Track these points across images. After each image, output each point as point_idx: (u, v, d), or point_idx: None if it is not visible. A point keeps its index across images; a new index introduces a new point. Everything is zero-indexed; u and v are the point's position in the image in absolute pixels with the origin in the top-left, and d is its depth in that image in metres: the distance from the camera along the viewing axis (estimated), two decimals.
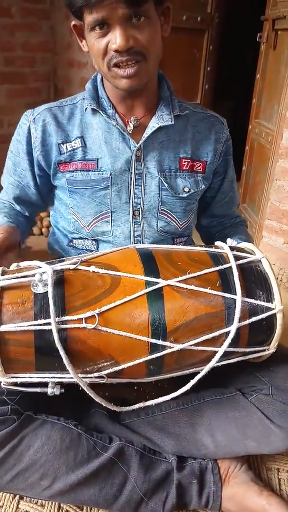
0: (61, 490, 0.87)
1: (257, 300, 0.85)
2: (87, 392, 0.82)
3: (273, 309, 0.85)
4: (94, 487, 0.88)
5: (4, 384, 0.82)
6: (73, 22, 0.98)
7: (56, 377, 0.82)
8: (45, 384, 0.83)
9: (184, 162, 1.10)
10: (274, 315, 0.86)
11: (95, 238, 1.10)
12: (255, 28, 2.51)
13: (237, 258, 0.89)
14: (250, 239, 1.22)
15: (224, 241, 0.97)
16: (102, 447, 0.91)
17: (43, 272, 0.80)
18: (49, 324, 0.76)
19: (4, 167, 1.16)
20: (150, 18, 0.90)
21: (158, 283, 0.82)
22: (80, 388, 1.03)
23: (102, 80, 1.06)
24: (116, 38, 0.88)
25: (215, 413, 0.99)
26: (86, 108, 1.05)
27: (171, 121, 1.04)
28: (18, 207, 1.17)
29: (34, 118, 1.06)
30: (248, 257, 0.91)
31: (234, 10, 3.23)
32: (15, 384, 0.83)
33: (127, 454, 0.92)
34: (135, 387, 1.01)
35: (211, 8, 2.70)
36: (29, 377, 0.81)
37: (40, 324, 0.77)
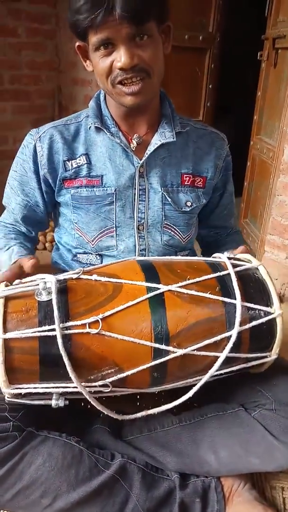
0: (62, 508, 0.86)
1: (256, 305, 0.86)
2: (89, 400, 0.82)
3: (273, 313, 0.86)
4: (95, 506, 0.87)
5: (8, 397, 0.82)
6: (77, 43, 1.00)
7: (61, 387, 0.82)
8: (49, 397, 0.83)
9: (186, 177, 1.12)
10: (274, 319, 0.87)
11: (99, 252, 1.12)
12: (256, 46, 2.56)
13: (234, 266, 0.91)
14: (246, 245, 1.25)
15: (221, 250, 0.99)
16: (104, 464, 0.90)
17: (46, 282, 0.82)
18: (53, 330, 0.77)
19: (6, 186, 1.17)
20: (152, 37, 0.93)
21: (159, 288, 0.84)
22: (82, 404, 1.03)
23: (105, 98, 1.09)
24: (121, 57, 0.90)
25: (218, 430, 0.98)
26: (90, 126, 1.07)
27: (173, 138, 1.07)
28: (24, 228, 1.18)
29: (39, 137, 1.08)
30: (246, 265, 0.93)
31: (235, 30, 3.29)
32: (19, 396, 0.83)
33: (129, 471, 0.91)
34: (137, 404, 1.00)
35: (213, 28, 2.75)
36: (33, 388, 0.81)
37: (45, 330, 0.78)
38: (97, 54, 0.94)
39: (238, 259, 0.97)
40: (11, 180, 1.15)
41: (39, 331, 0.78)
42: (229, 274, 0.88)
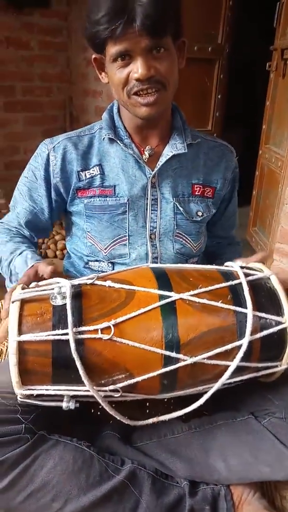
0: None
1: (267, 314, 0.86)
2: (101, 404, 0.82)
3: (284, 323, 0.86)
4: (105, 511, 0.88)
5: (20, 397, 0.83)
6: (93, 56, 1.02)
7: (72, 390, 0.83)
8: (60, 399, 0.84)
9: (196, 187, 1.14)
10: (285, 329, 0.86)
11: (112, 260, 1.13)
12: (264, 57, 2.58)
13: (246, 275, 0.91)
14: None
15: (222, 259, 1.00)
16: (114, 470, 0.90)
17: (61, 286, 0.83)
18: (66, 334, 0.78)
19: (15, 190, 1.19)
20: (168, 50, 0.95)
21: (171, 296, 0.84)
22: (93, 410, 1.03)
23: (118, 110, 1.11)
24: (138, 68, 0.93)
25: (228, 437, 0.98)
26: (104, 138, 1.09)
27: (184, 149, 1.09)
28: (27, 233, 1.19)
29: (53, 147, 1.10)
30: (257, 274, 0.93)
31: (244, 41, 3.32)
32: (31, 397, 0.84)
33: (139, 477, 0.91)
34: (147, 411, 1.01)
35: (222, 39, 2.78)
36: (45, 390, 0.82)
37: (58, 334, 0.79)
38: (114, 65, 0.96)
39: (250, 268, 0.97)
40: (20, 185, 1.17)
41: (52, 335, 0.79)
42: (241, 283, 0.88)
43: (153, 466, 0.95)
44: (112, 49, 0.93)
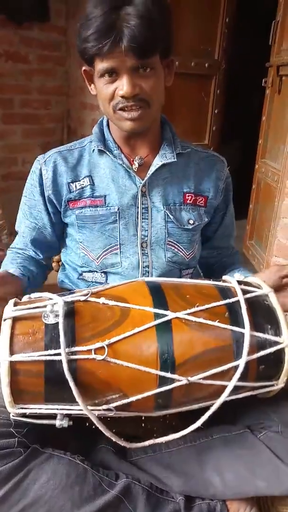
0: None
1: (265, 334, 0.85)
2: (97, 425, 0.81)
3: (281, 343, 0.85)
4: None
5: (13, 416, 0.82)
6: (83, 68, 1.05)
7: (65, 409, 0.81)
8: (53, 416, 0.83)
9: (188, 196, 1.15)
10: (283, 349, 0.85)
11: (104, 270, 1.13)
12: (260, 73, 2.62)
13: (244, 292, 0.90)
14: (245, 268, 1.25)
15: (223, 270, 0.99)
16: (108, 484, 0.89)
17: (54, 303, 0.82)
18: (59, 354, 0.77)
19: (18, 210, 1.21)
20: (155, 70, 0.98)
21: (166, 315, 0.83)
22: (87, 424, 1.02)
23: (108, 123, 1.13)
24: (123, 85, 0.95)
25: (224, 451, 0.97)
26: (94, 150, 1.12)
27: (174, 159, 1.10)
28: (32, 252, 1.20)
29: (45, 161, 1.13)
30: (256, 291, 0.91)
31: (240, 57, 3.38)
32: (24, 415, 0.83)
33: (134, 492, 0.90)
34: (142, 424, 0.99)
35: (218, 55, 2.83)
36: (38, 409, 0.81)
37: (51, 355, 0.78)
38: (102, 80, 0.98)
39: (249, 284, 0.95)
40: (22, 205, 1.20)
41: (45, 355, 0.78)
42: (238, 301, 0.87)
43: (148, 481, 0.94)
44: (100, 65, 0.96)
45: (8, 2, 2.78)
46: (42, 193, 1.13)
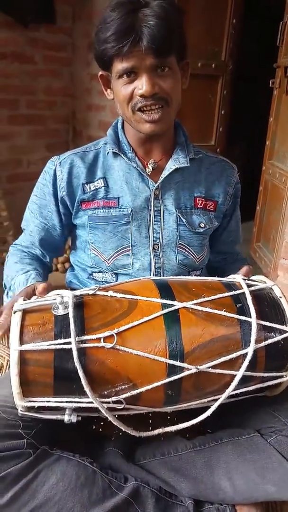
0: None
1: (271, 323, 0.86)
2: (105, 414, 0.81)
3: None
4: None
5: (21, 410, 0.82)
6: (100, 73, 1.06)
7: (74, 402, 0.81)
8: (61, 413, 0.83)
9: (199, 200, 1.16)
10: None
11: (115, 271, 1.13)
12: (267, 74, 2.61)
13: (249, 285, 0.91)
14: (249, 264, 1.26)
15: (226, 275, 1.00)
16: (117, 487, 0.88)
17: (63, 296, 0.83)
18: (69, 343, 0.78)
19: (25, 211, 1.21)
20: (172, 70, 0.99)
21: (174, 305, 0.84)
22: (94, 427, 1.01)
23: (122, 126, 1.14)
24: (142, 84, 0.96)
25: (233, 455, 0.95)
26: (108, 152, 1.12)
27: (187, 163, 1.11)
28: (39, 252, 1.20)
29: (60, 162, 1.13)
30: (260, 285, 0.93)
31: (247, 57, 3.37)
32: (32, 409, 0.82)
33: (143, 495, 0.89)
34: (150, 428, 0.99)
35: (225, 56, 2.83)
36: (47, 401, 0.81)
37: (60, 344, 0.78)
38: (120, 81, 0.99)
39: (253, 280, 0.97)
40: (31, 204, 1.20)
41: (54, 344, 0.78)
42: (244, 293, 0.89)
43: (157, 484, 0.93)
44: (119, 66, 0.97)
45: (15, 4, 2.80)
46: (55, 194, 1.14)
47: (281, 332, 0.86)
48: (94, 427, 1.02)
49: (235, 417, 1.00)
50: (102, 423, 1.02)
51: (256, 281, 0.97)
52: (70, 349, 0.77)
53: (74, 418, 0.82)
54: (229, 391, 0.84)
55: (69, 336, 0.78)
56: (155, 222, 1.12)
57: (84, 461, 0.90)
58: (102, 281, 1.15)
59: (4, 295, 1.13)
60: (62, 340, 0.78)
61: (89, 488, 0.86)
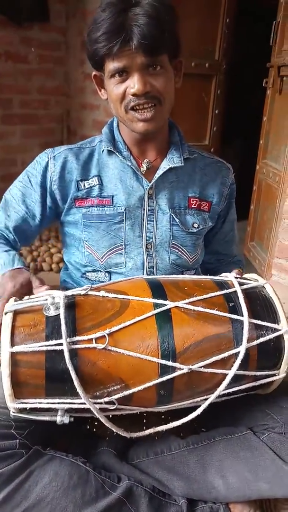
0: None
1: (263, 321, 0.86)
2: (97, 416, 0.81)
3: (280, 330, 0.86)
4: None
5: (13, 411, 0.82)
6: (93, 73, 1.06)
7: (66, 403, 0.81)
8: (54, 414, 0.82)
9: (193, 200, 1.15)
10: (282, 336, 0.86)
11: (108, 270, 1.13)
12: (261, 73, 2.62)
13: (241, 284, 0.91)
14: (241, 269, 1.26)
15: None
16: (110, 486, 0.88)
17: (54, 296, 0.83)
18: (60, 344, 0.77)
19: (5, 193, 1.19)
20: (164, 68, 0.99)
21: (166, 305, 0.84)
22: (88, 427, 1.01)
23: (118, 125, 1.14)
24: (134, 83, 0.96)
25: (226, 453, 0.96)
26: (103, 150, 1.12)
27: (181, 163, 1.11)
28: (11, 236, 1.18)
29: (54, 156, 1.13)
30: (252, 283, 0.93)
31: (241, 57, 3.38)
32: (24, 411, 0.82)
33: (136, 494, 0.89)
34: (144, 428, 0.99)
35: (219, 55, 2.83)
36: (39, 403, 0.81)
37: (52, 345, 0.78)
38: (112, 81, 0.99)
39: (245, 278, 0.97)
40: (14, 189, 1.17)
41: (46, 345, 0.78)
42: (235, 291, 0.89)
43: (150, 484, 0.93)
44: (110, 66, 0.97)
45: (8, 3, 2.78)
46: (43, 185, 1.13)
47: (273, 330, 0.86)
48: (87, 427, 1.02)
49: (228, 415, 1.00)
50: (95, 423, 1.02)
51: (249, 280, 0.97)
52: (62, 350, 0.77)
53: (66, 419, 0.82)
54: (220, 389, 0.84)
55: (61, 337, 0.78)
56: (148, 222, 1.12)
57: (77, 461, 0.90)
58: (96, 280, 1.15)
59: None
60: (54, 342, 0.78)
61: (82, 488, 0.86)
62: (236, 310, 0.86)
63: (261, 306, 0.89)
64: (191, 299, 0.85)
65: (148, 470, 0.96)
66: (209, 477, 0.94)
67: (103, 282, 1.12)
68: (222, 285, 0.92)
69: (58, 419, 0.82)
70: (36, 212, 1.15)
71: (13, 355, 0.78)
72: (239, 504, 0.95)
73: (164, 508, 0.90)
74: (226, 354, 0.83)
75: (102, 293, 0.86)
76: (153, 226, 1.12)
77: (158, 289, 0.88)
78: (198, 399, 0.87)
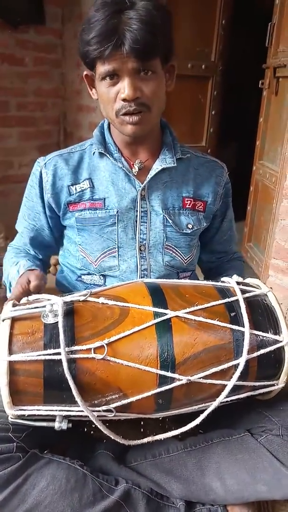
0: None
1: (264, 332, 0.85)
2: (96, 424, 0.80)
3: (281, 341, 0.85)
4: None
5: (11, 418, 0.81)
6: (85, 72, 1.05)
7: (64, 410, 0.81)
8: (52, 419, 0.82)
9: (187, 201, 1.15)
10: (282, 348, 0.86)
11: (102, 273, 1.13)
12: (257, 74, 2.62)
13: (243, 291, 0.90)
14: (243, 274, 1.25)
15: (220, 275, 0.99)
16: (108, 489, 0.88)
17: (53, 303, 0.82)
18: (58, 354, 0.77)
19: (18, 211, 1.22)
20: (156, 73, 0.98)
21: (166, 314, 0.83)
22: (86, 430, 1.01)
23: (109, 126, 1.14)
24: (125, 88, 0.95)
25: (224, 456, 0.96)
26: (94, 152, 1.12)
27: (174, 163, 1.11)
28: (32, 251, 1.20)
29: (45, 163, 1.13)
30: (254, 291, 0.92)
31: (237, 59, 3.38)
32: (22, 417, 0.82)
33: (134, 497, 0.89)
34: (141, 430, 0.99)
35: (215, 57, 2.83)
36: (37, 410, 0.80)
37: (50, 354, 0.77)
38: (103, 83, 0.99)
39: (247, 284, 0.96)
40: (22, 206, 1.20)
41: (44, 355, 0.77)
42: (237, 300, 0.87)
43: (148, 486, 0.93)
44: (101, 68, 0.96)
45: (4, 5, 2.78)
46: (41, 196, 1.14)
47: (274, 342, 0.85)
48: (85, 429, 1.01)
49: (225, 417, 1.00)
50: (93, 425, 1.02)
51: (251, 286, 0.95)
52: (60, 360, 0.76)
53: (64, 425, 0.81)
54: (219, 400, 0.83)
55: (59, 346, 0.77)
56: (141, 223, 1.11)
57: (75, 464, 0.89)
58: (91, 284, 1.15)
59: (8, 291, 1.13)
60: (52, 351, 0.77)
61: (79, 491, 0.86)
62: (237, 320, 0.85)
63: (262, 316, 0.87)
64: (192, 308, 0.84)
65: (146, 472, 0.96)
66: (207, 479, 0.94)
67: (98, 285, 1.13)
68: (224, 292, 0.90)
69: (57, 425, 0.81)
70: (43, 223, 1.17)
71: (11, 363, 0.77)
72: (237, 506, 0.95)
73: (162, 510, 0.90)
74: (225, 366, 0.82)
75: (101, 299, 0.85)
76: (146, 228, 1.11)
77: (158, 296, 0.87)
78: (196, 407, 0.87)
